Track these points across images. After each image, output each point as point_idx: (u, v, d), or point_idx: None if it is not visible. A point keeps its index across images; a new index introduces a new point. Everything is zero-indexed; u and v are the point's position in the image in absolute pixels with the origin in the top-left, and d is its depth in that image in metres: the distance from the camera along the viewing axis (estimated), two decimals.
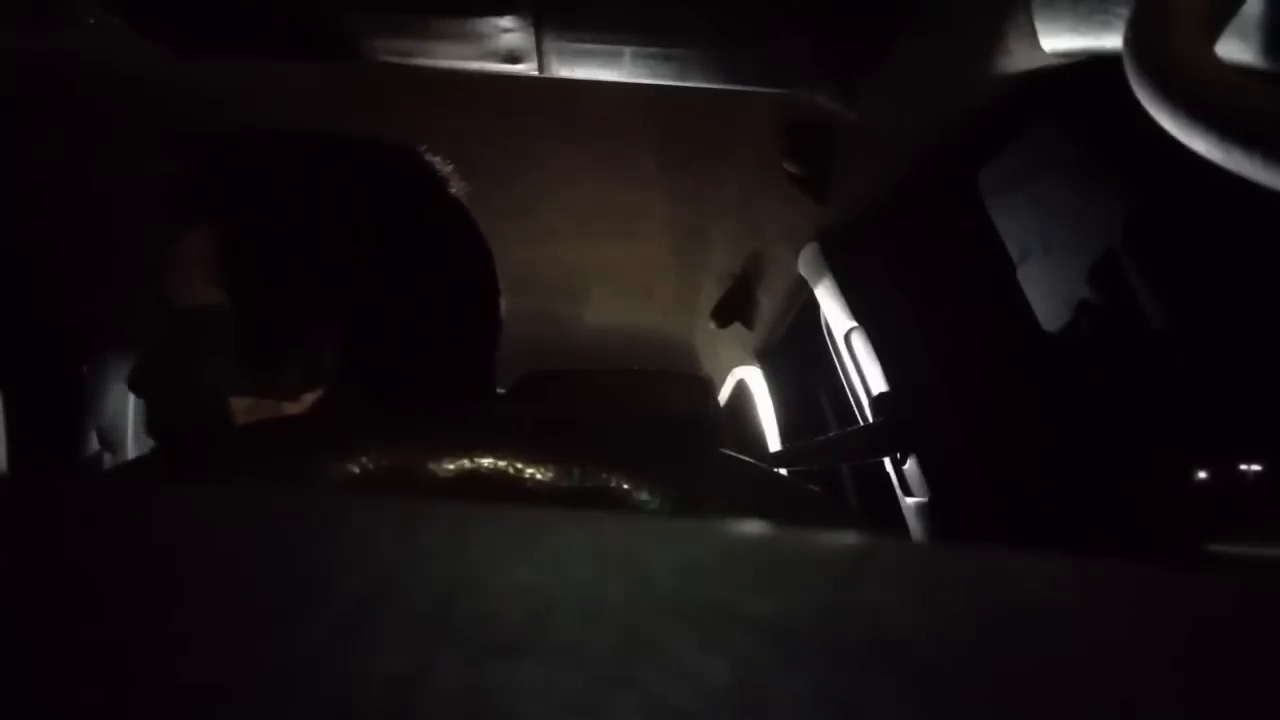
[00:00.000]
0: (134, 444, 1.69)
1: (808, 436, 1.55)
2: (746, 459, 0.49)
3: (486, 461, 0.39)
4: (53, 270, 1.40)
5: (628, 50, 0.81)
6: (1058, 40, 0.57)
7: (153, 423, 0.56)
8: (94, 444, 1.61)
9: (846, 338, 1.10)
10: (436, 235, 0.55)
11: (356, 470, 0.38)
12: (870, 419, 1.07)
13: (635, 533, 0.15)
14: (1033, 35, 0.59)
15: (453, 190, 0.57)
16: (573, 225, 1.34)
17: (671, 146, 1.12)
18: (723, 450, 0.49)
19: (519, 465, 0.39)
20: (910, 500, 1.02)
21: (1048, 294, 0.79)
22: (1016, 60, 0.63)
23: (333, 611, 0.12)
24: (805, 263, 1.14)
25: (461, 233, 0.57)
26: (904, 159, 0.88)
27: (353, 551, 0.13)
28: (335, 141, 0.57)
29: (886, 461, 1.07)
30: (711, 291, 1.54)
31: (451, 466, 0.39)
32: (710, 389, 0.58)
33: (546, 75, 0.85)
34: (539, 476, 0.39)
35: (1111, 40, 0.51)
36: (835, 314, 1.10)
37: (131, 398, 1.68)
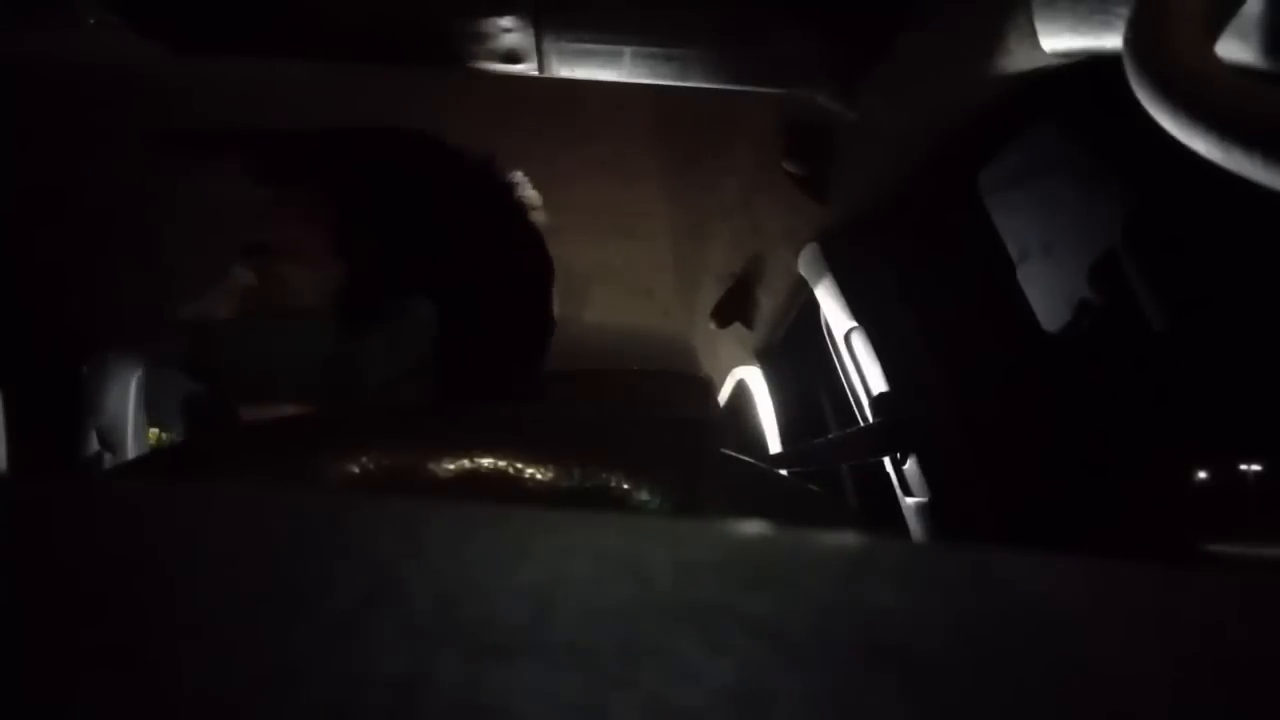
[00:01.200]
0: (134, 444, 1.69)
1: (808, 436, 1.55)
2: (746, 459, 0.49)
3: (486, 461, 0.39)
4: (52, 270, 1.40)
5: (628, 50, 0.81)
6: (1058, 40, 0.57)
7: (191, 407, 0.57)
8: (94, 444, 1.61)
9: (846, 338, 1.10)
10: (519, 235, 0.59)
11: (356, 470, 0.38)
12: (870, 419, 1.07)
13: (635, 533, 0.15)
14: (1033, 35, 0.59)
15: (530, 198, 0.61)
16: (573, 225, 1.34)
17: (671, 146, 1.12)
18: (723, 450, 0.49)
19: (519, 465, 0.39)
20: (910, 500, 1.02)
21: (1048, 294, 0.79)
22: (1016, 60, 0.63)
23: (333, 611, 0.12)
24: (805, 263, 1.14)
25: (537, 236, 0.61)
26: (904, 159, 0.87)
27: (353, 551, 0.13)
28: (425, 137, 0.59)
29: (886, 461, 1.07)
30: (711, 291, 1.54)
31: (452, 466, 0.39)
32: (710, 389, 0.58)
33: (546, 75, 0.85)
34: (539, 476, 0.39)
35: (1111, 40, 0.51)
36: (835, 314, 1.10)
37: (132, 398, 1.68)
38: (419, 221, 0.55)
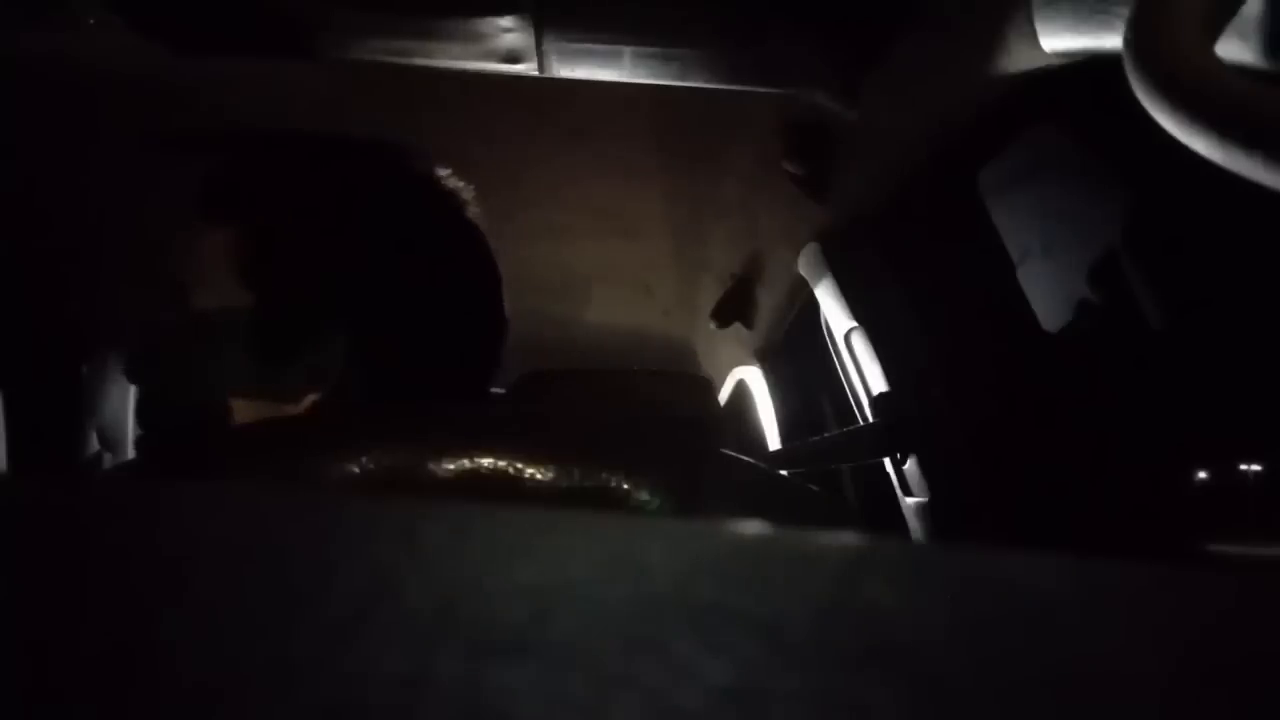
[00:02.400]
0: (134, 444, 1.69)
1: (808, 436, 1.55)
2: (746, 459, 0.49)
3: (486, 461, 0.39)
4: (52, 270, 1.40)
5: (628, 50, 0.81)
6: (1058, 40, 0.57)
7: (143, 412, 0.57)
8: (94, 444, 1.61)
9: (846, 338, 1.10)
10: (442, 237, 0.56)
11: (356, 470, 0.38)
12: (870, 419, 1.07)
13: (635, 533, 0.15)
14: (1033, 35, 0.59)
15: (457, 193, 0.58)
16: (573, 225, 1.34)
17: (671, 146, 1.12)
18: (723, 450, 0.49)
19: (519, 465, 0.39)
20: (910, 500, 1.02)
21: (1048, 294, 0.79)
22: (1016, 60, 0.63)
23: (332, 612, 0.12)
24: (805, 263, 1.14)
25: (466, 234, 0.58)
26: (904, 159, 0.88)
27: (353, 551, 0.13)
28: (344, 143, 0.57)
29: (886, 461, 1.07)
30: (711, 291, 1.54)
31: (451, 466, 0.39)
32: (710, 389, 0.58)
33: (546, 75, 0.85)
34: (539, 476, 0.39)
35: (1111, 40, 0.51)
36: (835, 314, 1.10)
37: (132, 397, 1.68)
38: (336, 237, 0.53)
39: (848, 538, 0.15)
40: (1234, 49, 0.41)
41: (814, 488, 0.55)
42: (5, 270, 1.32)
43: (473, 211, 0.58)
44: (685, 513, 0.40)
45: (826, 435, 1.38)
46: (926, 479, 0.98)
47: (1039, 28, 0.58)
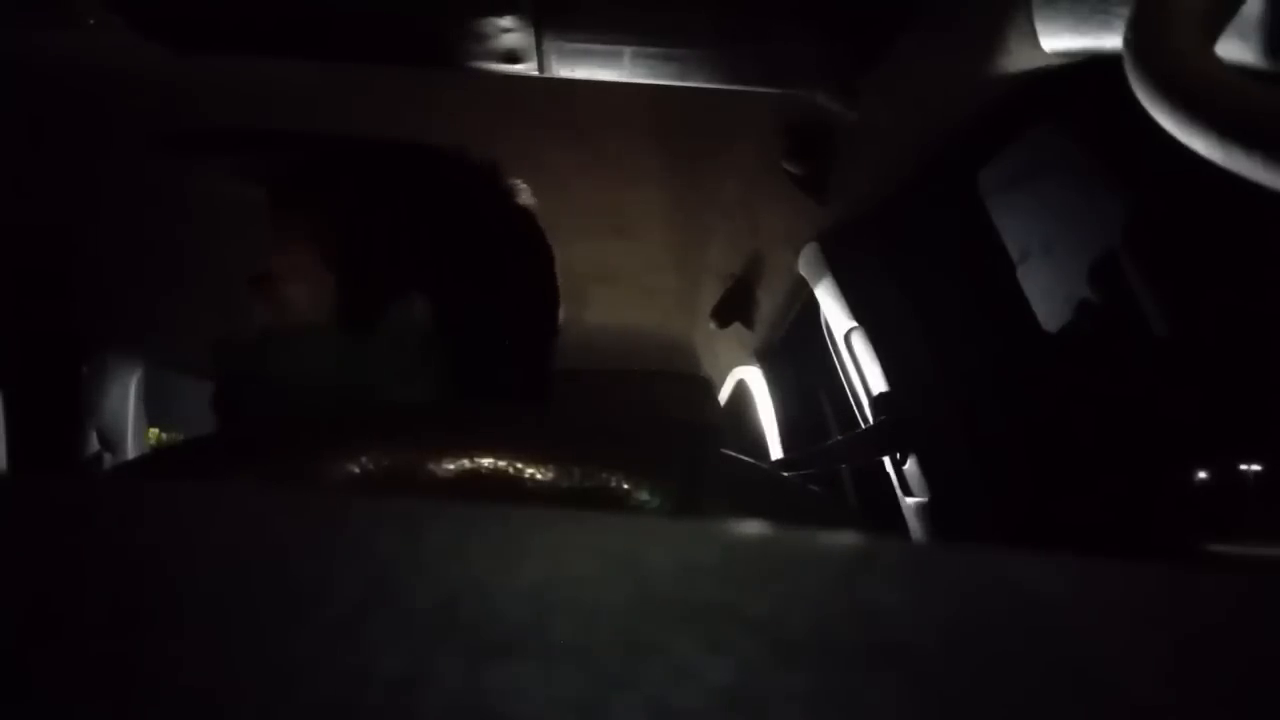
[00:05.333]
0: (134, 444, 1.69)
1: (808, 437, 1.55)
2: (747, 459, 0.49)
3: (486, 461, 0.39)
4: (53, 270, 1.40)
5: (628, 50, 0.81)
6: (1058, 40, 0.57)
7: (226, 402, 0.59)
8: (94, 444, 1.61)
9: (846, 338, 1.10)
10: (523, 237, 0.62)
11: (356, 470, 0.38)
12: (870, 418, 1.07)
13: (635, 533, 0.15)
14: (1033, 35, 0.59)
15: (524, 199, 0.64)
16: (573, 225, 1.34)
17: (671, 146, 1.12)
18: (723, 450, 0.49)
19: (519, 465, 0.39)
20: (910, 500, 1.02)
21: (1048, 294, 0.79)
22: (1016, 60, 0.63)
23: (333, 612, 0.12)
24: (805, 263, 1.14)
25: (539, 237, 0.64)
26: (904, 159, 0.88)
27: (353, 551, 0.13)
28: (436, 147, 0.62)
29: (886, 461, 1.07)
30: (711, 291, 1.54)
31: (451, 466, 0.39)
32: (710, 389, 0.59)
33: (546, 75, 0.85)
34: (539, 476, 0.39)
35: (1111, 40, 0.51)
36: (835, 314, 1.10)
37: (132, 397, 1.68)
38: (415, 227, 0.57)
39: (848, 538, 0.15)
40: (1234, 49, 0.41)
41: (814, 488, 0.55)
42: (5, 270, 1.32)
43: (540, 221, 0.65)
44: (685, 513, 0.40)
45: (827, 436, 1.38)
46: (926, 479, 0.98)
47: (1039, 28, 0.58)
